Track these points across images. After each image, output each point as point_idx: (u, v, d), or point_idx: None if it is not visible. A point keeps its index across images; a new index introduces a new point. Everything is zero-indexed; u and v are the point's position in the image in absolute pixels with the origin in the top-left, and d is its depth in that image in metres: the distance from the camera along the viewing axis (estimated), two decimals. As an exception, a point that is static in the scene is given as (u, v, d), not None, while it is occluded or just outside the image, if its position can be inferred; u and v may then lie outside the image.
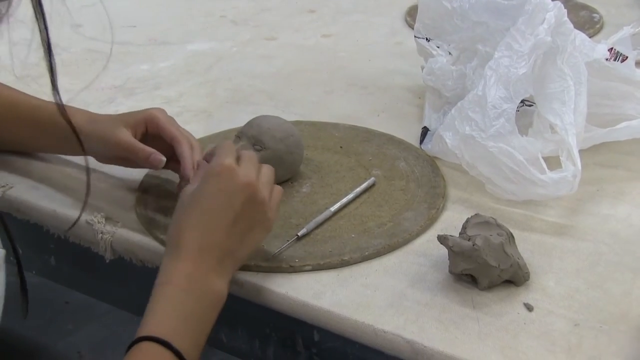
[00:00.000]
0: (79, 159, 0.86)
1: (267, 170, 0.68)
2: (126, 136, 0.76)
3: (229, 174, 0.64)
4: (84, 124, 0.78)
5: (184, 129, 0.78)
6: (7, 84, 0.85)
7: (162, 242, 0.73)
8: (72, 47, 1.21)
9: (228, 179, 0.64)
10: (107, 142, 0.76)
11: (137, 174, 0.83)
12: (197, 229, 0.63)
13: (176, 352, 0.59)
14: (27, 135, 0.84)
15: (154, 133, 0.77)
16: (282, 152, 0.79)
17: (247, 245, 0.66)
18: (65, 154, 0.87)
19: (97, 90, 1.07)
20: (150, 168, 0.79)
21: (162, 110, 0.79)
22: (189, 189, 0.66)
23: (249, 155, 0.68)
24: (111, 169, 0.84)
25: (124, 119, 0.78)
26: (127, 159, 0.79)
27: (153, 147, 0.76)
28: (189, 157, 0.75)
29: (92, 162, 0.84)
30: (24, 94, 0.84)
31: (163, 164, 0.76)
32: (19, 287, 0.72)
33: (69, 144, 0.81)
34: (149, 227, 0.75)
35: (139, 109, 0.80)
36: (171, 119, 0.79)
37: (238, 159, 0.66)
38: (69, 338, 1.62)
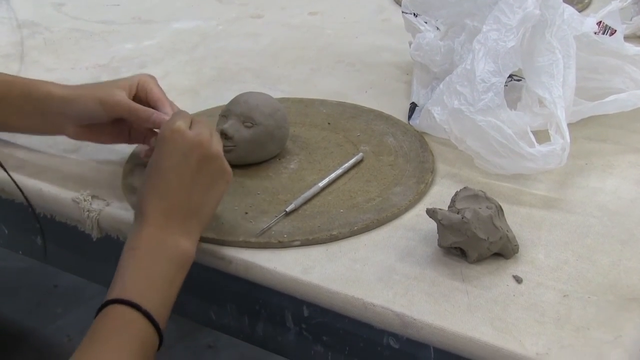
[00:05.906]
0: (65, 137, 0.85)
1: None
2: (125, 97, 0.76)
3: (180, 135, 0.66)
4: (71, 91, 0.77)
5: (172, 102, 0.79)
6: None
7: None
8: (55, 27, 1.20)
9: (179, 139, 0.66)
10: (105, 103, 0.76)
11: (122, 152, 0.82)
12: (157, 193, 0.65)
13: (145, 313, 0.60)
14: None
15: (141, 98, 0.77)
16: (272, 127, 0.79)
17: (210, 201, 0.67)
18: (38, 133, 0.83)
19: (82, 70, 1.06)
20: (152, 127, 0.77)
21: (154, 77, 0.80)
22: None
23: (201, 119, 0.69)
24: (96, 147, 0.83)
25: (117, 83, 0.78)
26: (112, 130, 0.79)
27: None
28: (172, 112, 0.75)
29: (76, 142, 0.83)
30: None
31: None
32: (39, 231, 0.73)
33: (45, 119, 0.79)
34: (136, 203, 0.74)
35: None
36: (161, 88, 0.79)
37: (191, 124, 0.68)
38: (58, 322, 1.61)
